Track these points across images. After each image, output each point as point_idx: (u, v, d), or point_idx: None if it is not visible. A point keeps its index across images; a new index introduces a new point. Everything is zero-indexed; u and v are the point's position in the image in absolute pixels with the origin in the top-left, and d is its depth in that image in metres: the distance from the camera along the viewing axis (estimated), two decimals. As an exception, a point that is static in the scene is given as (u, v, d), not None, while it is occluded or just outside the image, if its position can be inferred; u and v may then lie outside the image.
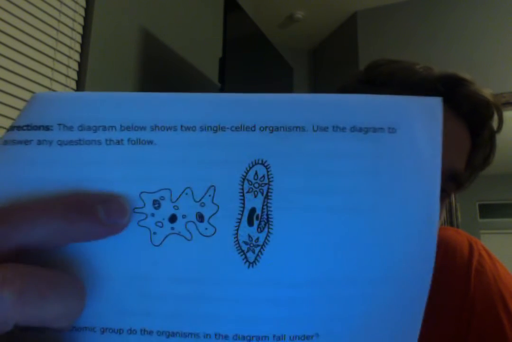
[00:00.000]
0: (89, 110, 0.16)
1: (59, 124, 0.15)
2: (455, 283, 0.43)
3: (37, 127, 0.15)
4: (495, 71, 2.05)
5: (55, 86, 1.12)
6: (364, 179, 0.15)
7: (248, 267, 0.15)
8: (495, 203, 4.28)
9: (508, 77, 2.03)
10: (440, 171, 0.16)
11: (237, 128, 0.15)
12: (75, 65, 1.18)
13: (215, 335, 0.15)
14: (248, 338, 0.15)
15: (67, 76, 1.16)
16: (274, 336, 0.15)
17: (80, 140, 0.15)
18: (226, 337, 0.15)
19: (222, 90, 1.45)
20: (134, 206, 0.15)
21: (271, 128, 0.15)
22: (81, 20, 1.21)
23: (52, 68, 1.12)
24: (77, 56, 1.19)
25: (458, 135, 0.40)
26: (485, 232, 4.14)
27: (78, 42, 1.20)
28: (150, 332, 0.15)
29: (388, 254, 0.15)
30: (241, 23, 1.67)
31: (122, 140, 0.15)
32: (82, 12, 1.21)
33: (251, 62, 1.74)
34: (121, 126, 0.15)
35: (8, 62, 1.01)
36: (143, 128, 0.15)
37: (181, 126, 0.15)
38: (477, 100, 0.40)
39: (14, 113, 1.01)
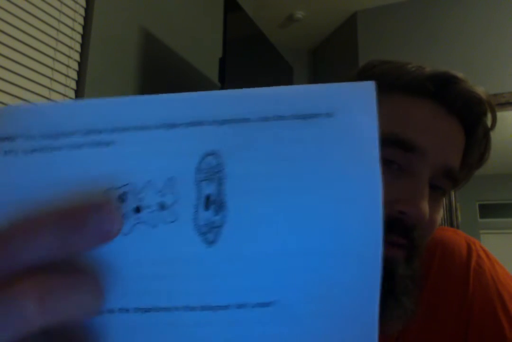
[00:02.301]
0: (49, 119, 0.17)
1: (22, 135, 0.17)
2: (453, 284, 0.43)
3: (2, 139, 0.17)
4: (495, 71, 2.05)
5: (55, 86, 1.12)
6: (307, 161, 0.17)
7: (209, 246, 0.17)
8: (495, 203, 4.27)
9: (508, 77, 2.03)
10: (378, 148, 0.17)
11: (188, 124, 0.17)
12: (75, 65, 1.19)
13: (184, 307, 0.17)
14: (214, 308, 0.17)
15: (67, 76, 1.16)
16: (236, 304, 0.17)
17: (43, 148, 0.17)
18: (193, 308, 0.17)
19: (222, 90, 1.45)
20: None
21: (220, 122, 0.17)
22: (81, 20, 1.21)
23: (52, 68, 1.12)
24: (77, 56, 1.19)
25: (451, 132, 0.40)
26: (485, 232, 4.13)
27: (78, 42, 1.20)
28: (127, 310, 0.17)
29: (336, 228, 0.17)
30: (241, 23, 1.68)
31: (83, 144, 0.17)
32: (82, 12, 1.21)
33: (251, 62, 1.74)
34: (81, 131, 0.17)
35: (8, 62, 1.01)
36: (102, 131, 0.17)
37: (138, 126, 0.17)
38: (470, 98, 0.40)
39: (14, 113, 1.01)
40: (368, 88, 0.18)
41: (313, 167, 0.17)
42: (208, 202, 0.17)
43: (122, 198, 0.17)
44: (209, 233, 0.17)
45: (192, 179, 0.17)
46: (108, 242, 0.15)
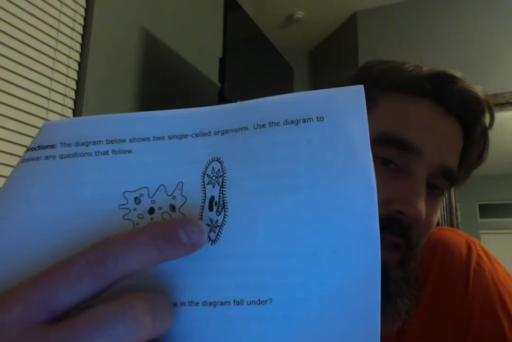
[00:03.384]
0: (82, 130, 0.20)
1: (61, 143, 0.20)
2: (453, 284, 0.43)
3: (45, 147, 0.20)
4: (495, 71, 2.05)
5: (54, 85, 1.12)
6: (300, 162, 0.18)
7: (211, 244, 0.18)
8: (495, 203, 4.27)
9: (508, 77, 2.03)
10: (369, 147, 0.18)
11: (196, 135, 0.19)
12: (75, 65, 1.19)
13: (189, 302, 0.18)
14: (214, 303, 0.18)
15: (67, 76, 1.16)
16: (234, 301, 0.17)
17: (76, 153, 0.19)
18: (197, 304, 0.18)
19: (222, 90, 1.45)
20: (119, 203, 0.19)
21: (222, 132, 0.19)
22: (81, 20, 1.21)
23: (52, 68, 1.12)
24: (77, 56, 1.19)
25: (449, 132, 0.40)
26: (485, 232, 4.14)
27: (78, 42, 1.20)
28: None
29: (330, 226, 0.18)
30: (241, 23, 1.67)
31: (107, 151, 0.19)
32: (82, 12, 1.21)
33: (251, 62, 1.74)
34: (106, 140, 0.19)
35: (8, 62, 1.01)
36: (123, 140, 0.19)
37: (153, 137, 0.19)
38: (467, 97, 0.40)
39: (14, 113, 1.01)
40: (357, 92, 0.19)
41: (307, 169, 0.18)
42: (212, 203, 0.18)
43: (137, 200, 0.19)
44: (212, 232, 0.18)
45: (199, 183, 0.19)
46: (190, 254, 0.17)
